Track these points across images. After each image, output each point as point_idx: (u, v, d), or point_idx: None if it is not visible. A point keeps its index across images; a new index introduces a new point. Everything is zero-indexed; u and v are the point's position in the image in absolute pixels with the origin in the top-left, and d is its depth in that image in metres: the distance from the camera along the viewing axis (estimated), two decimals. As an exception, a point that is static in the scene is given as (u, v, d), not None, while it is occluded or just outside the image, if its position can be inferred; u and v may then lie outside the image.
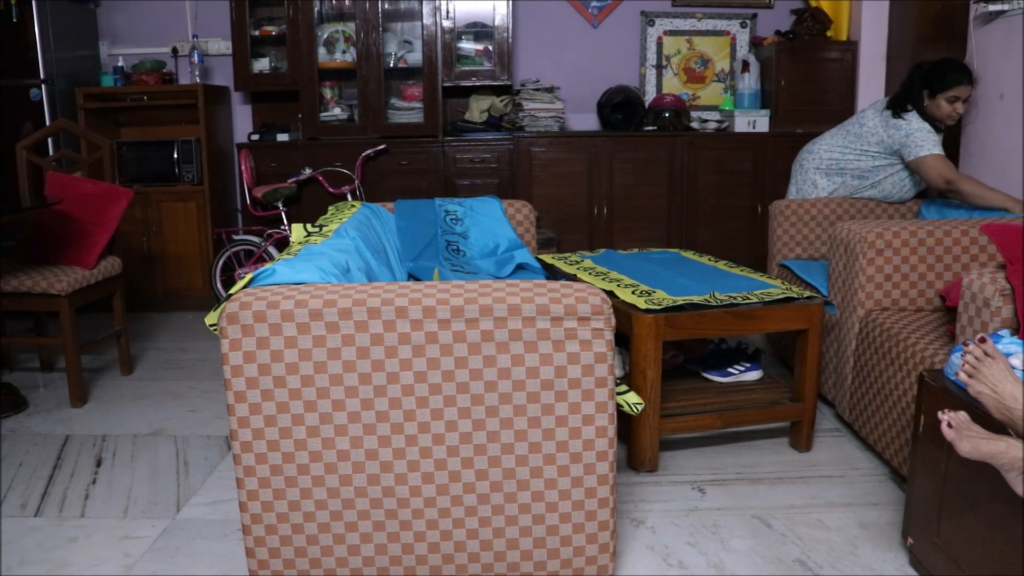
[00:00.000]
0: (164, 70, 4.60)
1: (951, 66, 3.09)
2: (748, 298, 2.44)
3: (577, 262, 3.03)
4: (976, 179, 3.11)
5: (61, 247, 3.23)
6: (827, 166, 3.40)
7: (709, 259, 3.05)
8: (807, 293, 2.53)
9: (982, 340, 1.58)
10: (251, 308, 1.63)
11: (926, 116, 3.14)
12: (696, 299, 2.40)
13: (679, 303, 2.36)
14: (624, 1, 4.80)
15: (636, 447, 2.44)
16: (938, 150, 3.11)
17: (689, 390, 2.67)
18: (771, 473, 2.47)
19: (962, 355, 1.61)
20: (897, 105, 3.18)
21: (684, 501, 2.30)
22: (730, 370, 2.75)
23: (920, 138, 3.11)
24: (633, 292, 2.49)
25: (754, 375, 2.75)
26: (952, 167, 3.10)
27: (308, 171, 4.45)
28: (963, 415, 1.54)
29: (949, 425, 1.52)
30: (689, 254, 3.16)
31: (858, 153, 3.31)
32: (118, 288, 3.41)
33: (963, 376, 1.59)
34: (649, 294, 2.46)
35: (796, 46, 4.44)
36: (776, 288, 2.56)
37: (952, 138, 3.59)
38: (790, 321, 2.49)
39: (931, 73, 3.10)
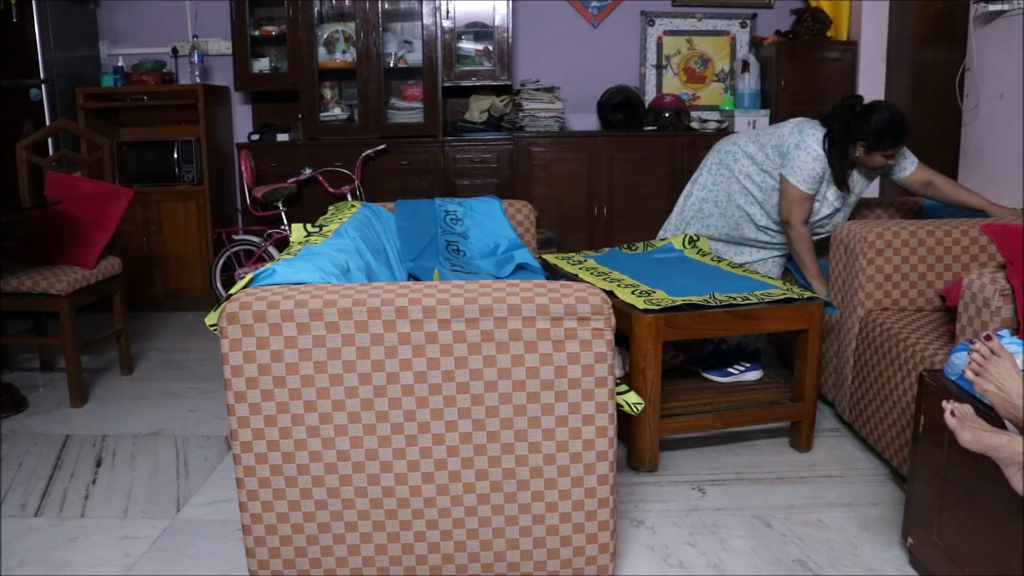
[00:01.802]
0: (164, 70, 4.60)
1: (898, 127, 2.80)
2: (748, 298, 2.44)
3: (580, 262, 3.03)
4: (810, 243, 2.94)
5: (61, 247, 3.23)
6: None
7: (712, 259, 3.04)
8: (807, 294, 2.53)
9: (988, 338, 1.58)
10: (251, 308, 1.63)
11: (855, 158, 2.89)
12: (696, 299, 2.40)
13: (678, 303, 2.36)
14: (624, 1, 4.80)
15: (636, 447, 2.44)
16: (807, 187, 2.88)
17: (689, 390, 2.67)
18: (771, 473, 2.47)
19: (969, 353, 1.61)
20: (831, 139, 2.89)
21: (684, 501, 2.30)
22: (730, 370, 2.75)
23: (801, 164, 2.88)
24: (633, 292, 2.49)
25: (754, 375, 2.75)
26: (802, 211, 2.91)
27: (308, 171, 4.45)
28: (968, 408, 1.55)
29: (952, 414, 1.52)
30: (692, 254, 3.15)
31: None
32: (118, 288, 3.41)
33: (969, 374, 1.59)
34: (649, 294, 2.46)
35: (796, 46, 4.44)
36: (777, 289, 2.56)
37: (952, 138, 3.59)
38: (790, 321, 2.49)
39: (878, 130, 2.79)
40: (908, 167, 2.98)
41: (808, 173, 2.89)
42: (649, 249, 3.22)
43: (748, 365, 2.76)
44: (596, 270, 2.87)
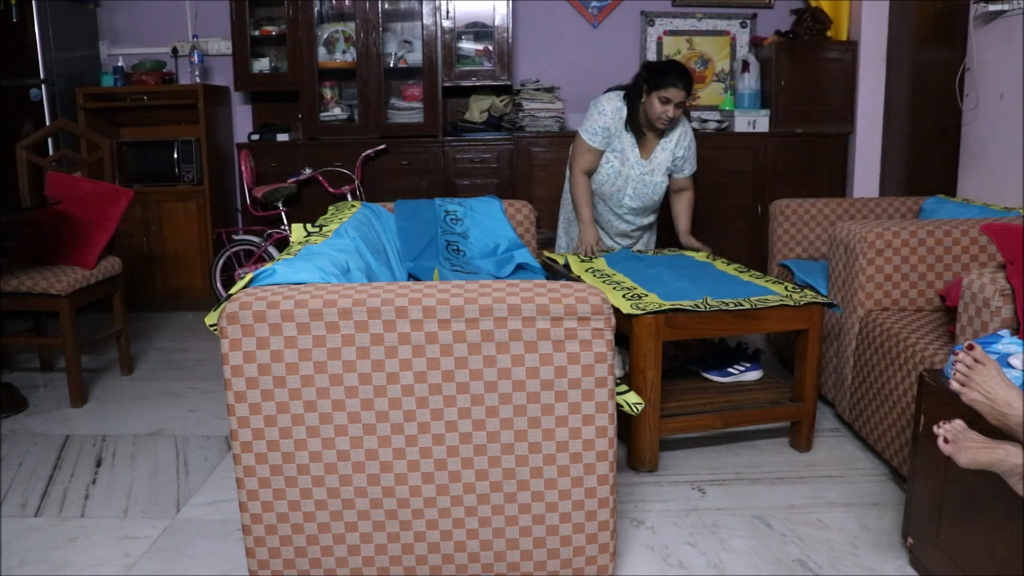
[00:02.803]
0: (164, 70, 4.60)
1: (671, 69, 3.10)
2: (741, 304, 2.42)
3: (589, 262, 3.05)
4: (585, 191, 3.25)
5: (61, 247, 3.23)
6: None
7: (736, 268, 2.95)
8: (806, 300, 2.48)
9: (970, 347, 1.57)
10: (251, 308, 1.63)
11: (643, 113, 3.15)
12: (687, 304, 2.38)
13: (666, 307, 2.34)
14: (624, 1, 4.80)
15: (636, 447, 2.44)
16: (588, 137, 3.19)
17: (690, 390, 2.66)
18: (771, 473, 2.47)
19: (953, 364, 1.61)
20: (626, 95, 3.22)
21: (684, 501, 2.30)
22: (730, 370, 2.74)
23: (589, 118, 3.21)
24: (625, 295, 2.48)
25: (754, 375, 2.75)
26: (581, 161, 3.23)
27: (308, 171, 4.45)
28: (959, 424, 1.53)
29: (945, 440, 1.51)
30: (720, 263, 3.04)
31: None
32: (118, 288, 3.41)
33: (955, 385, 1.58)
34: (640, 297, 2.46)
35: (796, 46, 4.44)
36: (775, 295, 2.53)
37: (952, 138, 3.59)
38: (790, 321, 2.49)
39: (653, 70, 3.12)
40: (687, 171, 3.32)
41: (593, 124, 3.20)
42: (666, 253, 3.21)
43: (748, 365, 2.75)
44: (601, 271, 2.87)
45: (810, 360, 2.52)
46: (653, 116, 3.11)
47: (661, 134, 3.23)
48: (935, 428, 1.55)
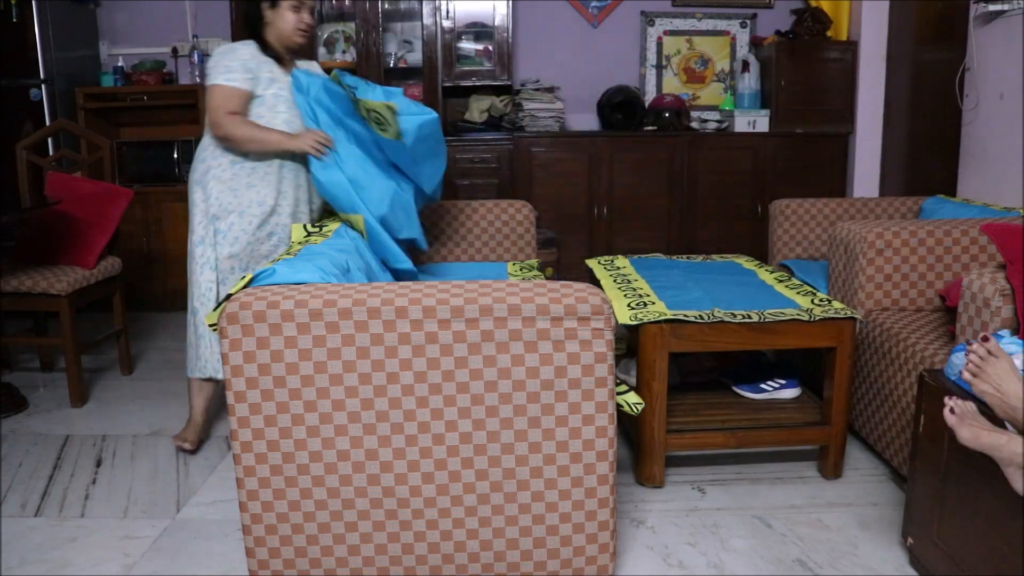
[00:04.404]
0: (164, 70, 4.60)
1: None
2: (749, 316, 2.26)
3: (615, 267, 2.92)
4: (250, 123, 2.49)
5: (61, 247, 3.23)
6: None
7: (778, 276, 2.78)
8: (824, 315, 2.28)
9: (985, 339, 1.58)
10: (251, 308, 1.63)
11: (272, 43, 2.56)
12: (690, 314, 2.25)
13: (664, 317, 2.23)
14: (624, 1, 4.80)
15: (641, 462, 2.36)
16: (228, 80, 2.46)
17: (708, 404, 2.50)
18: (771, 473, 2.47)
19: (966, 354, 1.61)
20: (238, 35, 2.49)
21: (684, 501, 2.30)
22: (763, 386, 2.57)
23: (215, 65, 2.49)
24: (630, 304, 2.37)
25: (790, 393, 2.55)
26: (234, 105, 2.46)
27: (308, 171, 4.44)
28: (971, 405, 1.55)
29: (952, 411, 1.52)
30: (764, 272, 2.85)
31: None
32: (118, 288, 3.41)
33: (967, 376, 1.59)
34: (644, 305, 2.33)
35: (796, 46, 4.44)
36: (793, 308, 2.34)
37: (952, 138, 3.60)
38: (814, 337, 2.28)
39: None
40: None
41: (219, 65, 2.49)
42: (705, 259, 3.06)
43: (784, 382, 2.56)
44: (625, 276, 2.75)
45: (839, 381, 2.32)
46: (290, 31, 2.54)
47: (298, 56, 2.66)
48: (945, 399, 1.56)
